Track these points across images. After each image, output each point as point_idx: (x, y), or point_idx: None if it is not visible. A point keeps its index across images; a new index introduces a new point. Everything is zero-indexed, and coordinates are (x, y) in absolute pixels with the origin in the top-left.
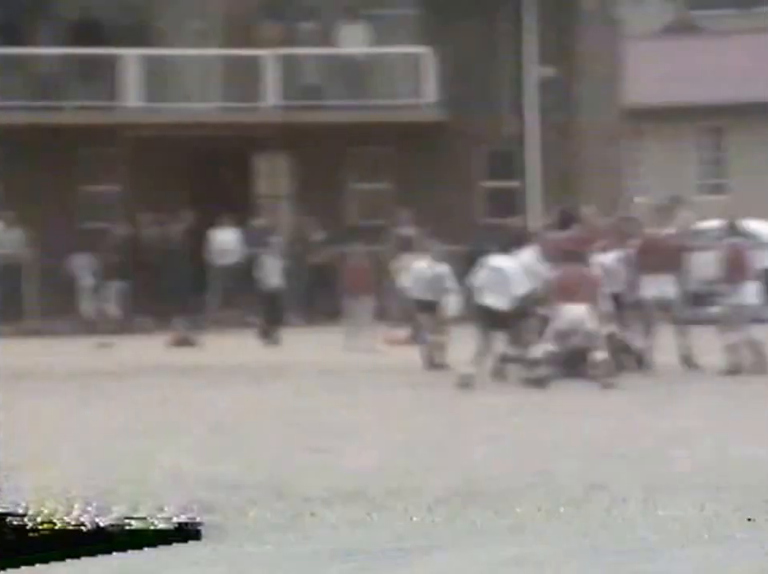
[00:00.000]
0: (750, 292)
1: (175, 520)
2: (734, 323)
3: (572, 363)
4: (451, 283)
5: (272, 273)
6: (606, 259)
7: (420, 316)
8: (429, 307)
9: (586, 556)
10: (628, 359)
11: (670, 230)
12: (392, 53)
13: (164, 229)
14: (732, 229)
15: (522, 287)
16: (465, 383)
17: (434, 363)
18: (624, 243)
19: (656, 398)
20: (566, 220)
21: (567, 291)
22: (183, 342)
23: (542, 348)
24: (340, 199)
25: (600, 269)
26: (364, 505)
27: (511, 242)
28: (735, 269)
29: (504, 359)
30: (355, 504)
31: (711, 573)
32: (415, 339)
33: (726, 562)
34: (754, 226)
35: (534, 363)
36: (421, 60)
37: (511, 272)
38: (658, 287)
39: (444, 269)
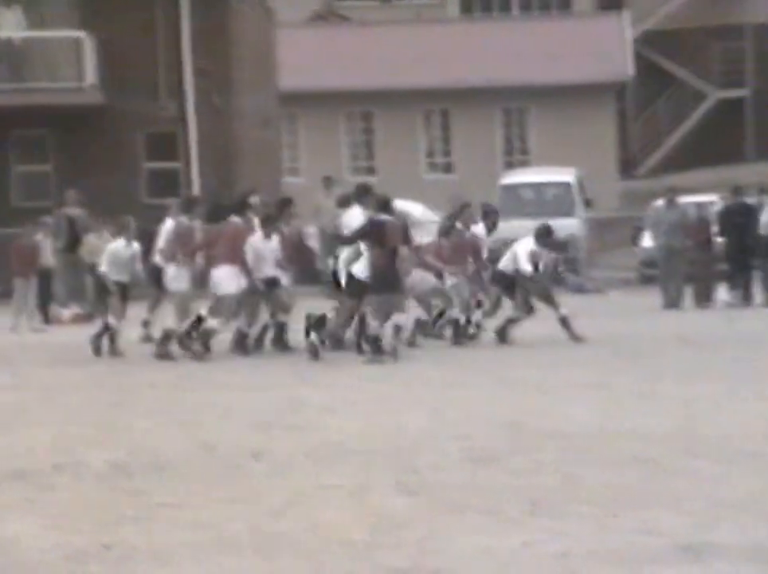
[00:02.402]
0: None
1: None
2: None
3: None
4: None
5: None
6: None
7: (114, 297)
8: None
9: (246, 520)
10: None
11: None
12: (50, 36)
13: None
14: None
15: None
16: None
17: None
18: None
19: (315, 370)
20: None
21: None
22: None
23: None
24: (4, 181)
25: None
26: (28, 484)
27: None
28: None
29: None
30: (20, 483)
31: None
32: (93, 318)
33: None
34: (401, 205)
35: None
36: (79, 44)
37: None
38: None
39: (137, 247)
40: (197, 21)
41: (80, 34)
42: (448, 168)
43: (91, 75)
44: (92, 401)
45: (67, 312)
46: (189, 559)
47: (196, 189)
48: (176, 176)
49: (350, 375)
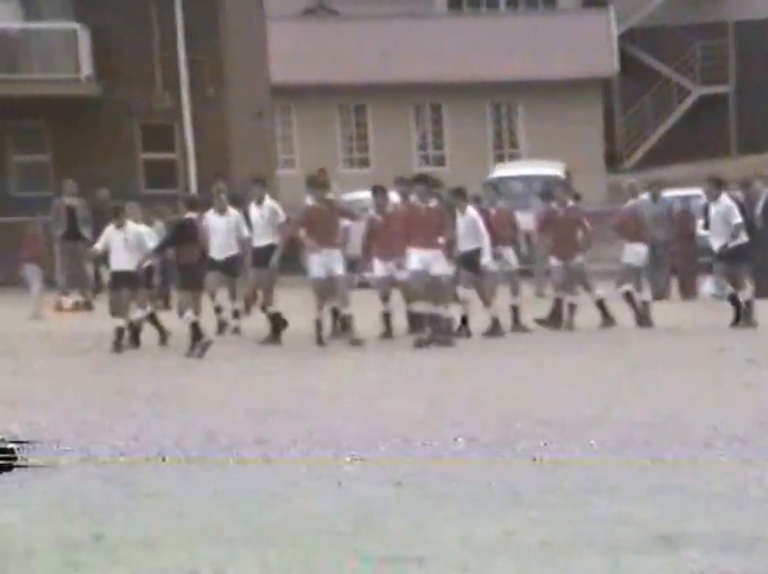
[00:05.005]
0: None
1: None
2: None
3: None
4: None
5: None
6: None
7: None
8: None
9: (246, 503)
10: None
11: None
12: (46, 28)
13: None
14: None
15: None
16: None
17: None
18: None
19: (307, 360)
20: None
21: None
22: None
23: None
24: (2, 172)
25: None
26: (31, 469)
27: None
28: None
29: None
30: (23, 467)
31: (371, 517)
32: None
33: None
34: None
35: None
36: (75, 35)
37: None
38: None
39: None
40: (191, 13)
41: (76, 26)
42: (439, 161)
43: (86, 66)
44: (96, 388)
45: (68, 301)
46: (178, 548)
47: (192, 180)
48: (173, 167)
49: (350, 363)
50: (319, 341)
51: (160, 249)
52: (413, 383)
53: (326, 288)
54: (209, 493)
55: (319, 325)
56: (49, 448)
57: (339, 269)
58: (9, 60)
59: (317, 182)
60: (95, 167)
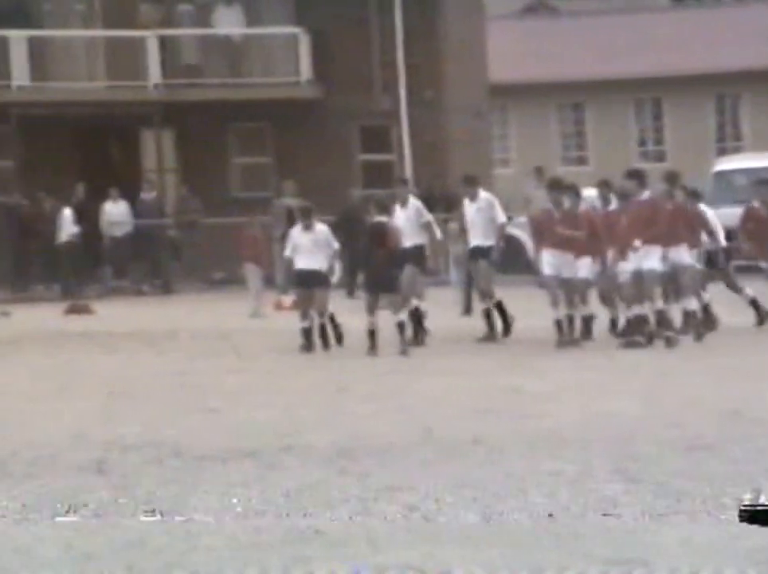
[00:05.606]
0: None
1: None
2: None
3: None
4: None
5: None
6: None
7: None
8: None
9: (469, 507)
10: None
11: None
12: (267, 33)
13: (57, 202)
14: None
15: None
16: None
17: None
18: None
19: (522, 359)
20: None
21: None
22: (80, 310)
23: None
24: (223, 172)
25: None
26: (258, 463)
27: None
28: None
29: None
30: (250, 461)
31: (588, 521)
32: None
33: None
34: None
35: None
36: (295, 39)
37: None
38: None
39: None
40: (409, 16)
41: (296, 30)
42: (660, 157)
43: (306, 70)
44: (315, 385)
45: (288, 299)
46: (402, 546)
47: (408, 180)
48: (390, 168)
49: (568, 363)
50: (562, 341)
51: (362, 255)
52: (630, 383)
53: (556, 287)
54: (437, 490)
55: (558, 324)
56: (277, 440)
57: (567, 272)
58: (232, 65)
59: (556, 183)
60: (314, 168)
